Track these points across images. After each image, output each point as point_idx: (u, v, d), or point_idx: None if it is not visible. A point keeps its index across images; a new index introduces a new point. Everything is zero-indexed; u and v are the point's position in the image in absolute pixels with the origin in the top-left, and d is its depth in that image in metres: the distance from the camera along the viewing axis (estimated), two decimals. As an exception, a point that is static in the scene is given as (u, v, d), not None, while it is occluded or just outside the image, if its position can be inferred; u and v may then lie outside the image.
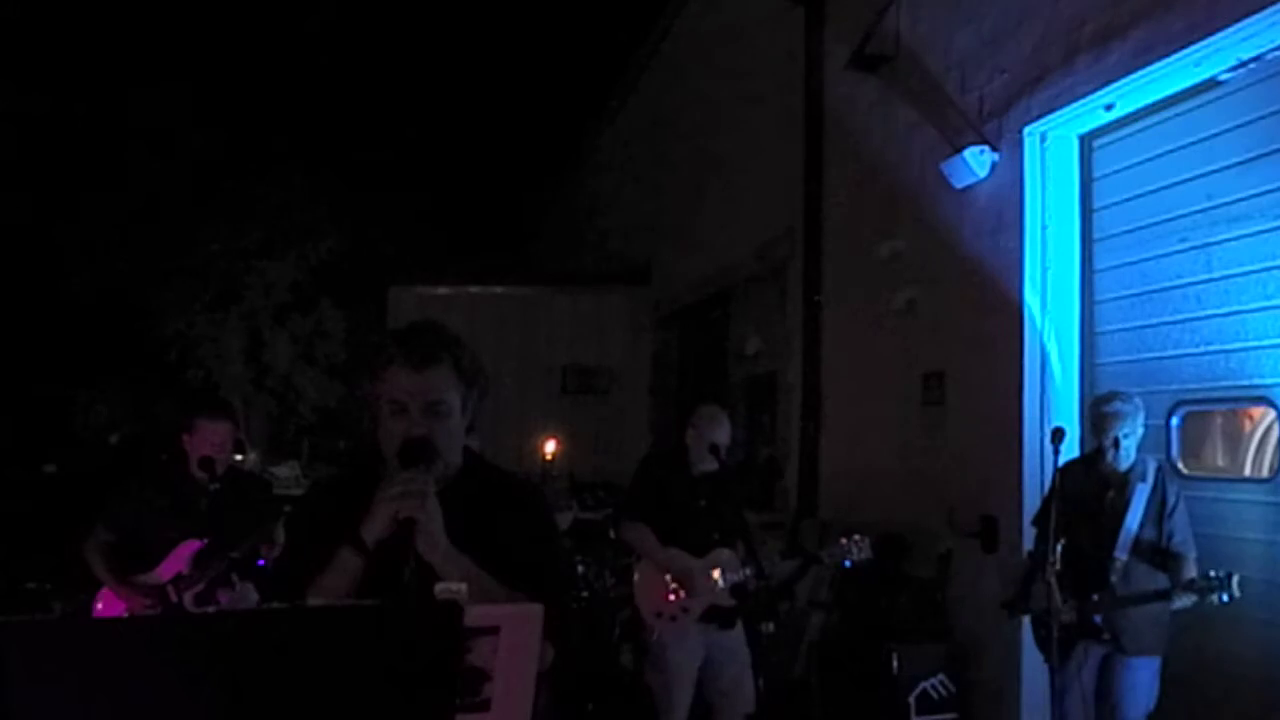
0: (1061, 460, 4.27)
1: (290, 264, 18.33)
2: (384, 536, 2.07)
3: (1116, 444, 4.25)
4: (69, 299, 17.99)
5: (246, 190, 18.07)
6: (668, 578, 4.98)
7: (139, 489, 4.56)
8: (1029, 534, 4.82)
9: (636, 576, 5.11)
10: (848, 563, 5.01)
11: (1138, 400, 4.36)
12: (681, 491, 5.06)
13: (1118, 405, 4.30)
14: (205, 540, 4.30)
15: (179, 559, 4.31)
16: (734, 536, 4.94)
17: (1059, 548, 4.13)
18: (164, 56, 17.59)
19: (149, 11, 17.34)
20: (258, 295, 18.13)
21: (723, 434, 5.08)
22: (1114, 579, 4.21)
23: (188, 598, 4.25)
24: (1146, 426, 4.43)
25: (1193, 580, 4.05)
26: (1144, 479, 4.28)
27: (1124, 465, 4.31)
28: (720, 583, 4.89)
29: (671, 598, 4.96)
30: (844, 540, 5.02)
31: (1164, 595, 4.07)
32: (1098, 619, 4.22)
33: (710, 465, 5.08)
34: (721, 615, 4.96)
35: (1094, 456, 4.35)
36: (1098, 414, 4.32)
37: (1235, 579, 3.87)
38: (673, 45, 11.85)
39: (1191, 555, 4.19)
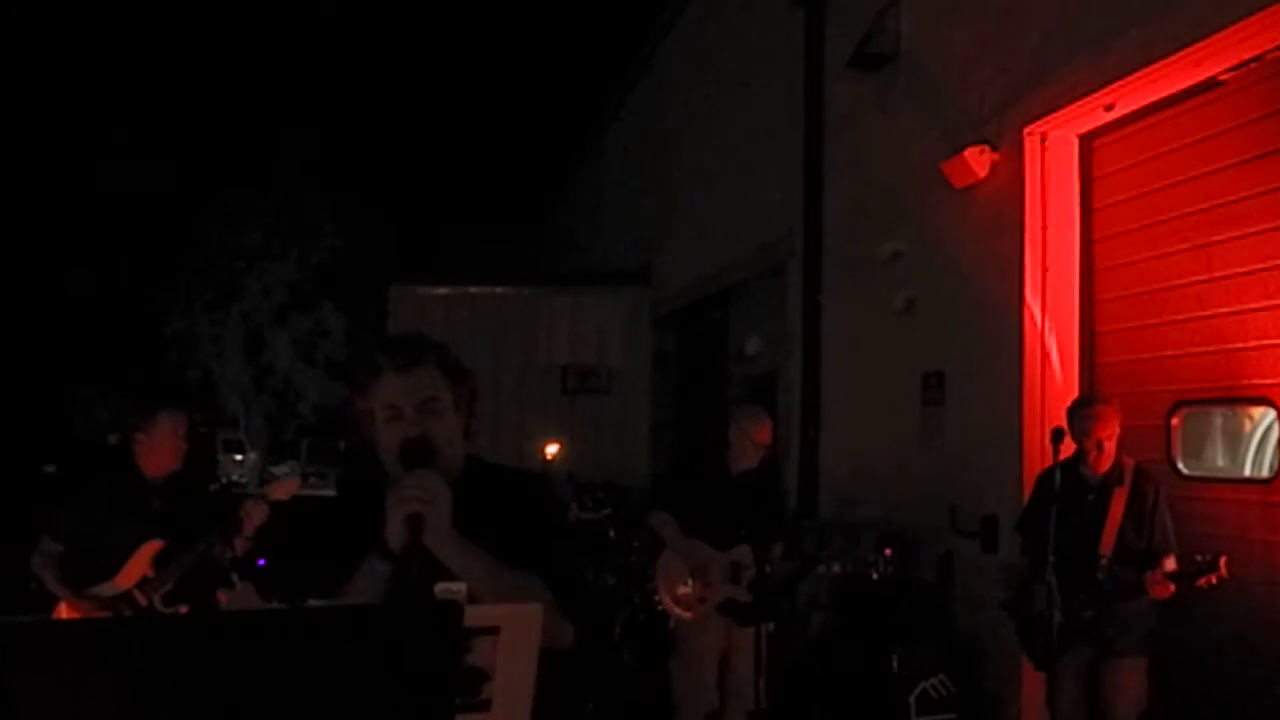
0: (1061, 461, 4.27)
1: (290, 264, 18.37)
2: (407, 543, 2.08)
3: (1099, 447, 4.26)
4: (69, 299, 18.02)
5: (246, 190, 18.09)
6: (687, 568, 5.03)
7: (87, 494, 4.36)
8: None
9: (659, 564, 5.17)
10: (874, 575, 5.02)
11: (1115, 402, 4.37)
12: (713, 486, 5.11)
13: (1098, 408, 4.30)
14: (165, 540, 4.18)
15: (140, 562, 4.17)
16: (764, 533, 4.99)
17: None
18: (165, 56, 17.58)
19: (152, 10, 17.34)
20: (258, 295, 18.16)
21: (765, 432, 5.16)
22: (1100, 578, 4.21)
23: (157, 600, 4.16)
24: (1146, 427, 4.43)
25: (1175, 570, 4.05)
26: (1121, 482, 4.28)
27: (1103, 468, 4.31)
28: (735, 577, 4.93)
29: (687, 588, 5.02)
30: (871, 555, 5.01)
31: (1144, 587, 4.08)
32: (1087, 618, 4.22)
33: (750, 463, 5.14)
34: (739, 610, 4.99)
35: (1073, 460, 4.35)
36: (1079, 417, 4.32)
37: (1222, 560, 3.87)
38: (673, 45, 11.86)
39: (1172, 555, 4.20)
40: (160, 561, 4.17)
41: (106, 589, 4.17)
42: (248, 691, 1.41)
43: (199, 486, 4.47)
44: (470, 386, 2.35)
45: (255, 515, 4.11)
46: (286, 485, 4.16)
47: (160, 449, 4.32)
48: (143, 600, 4.13)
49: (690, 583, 5.03)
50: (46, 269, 17.81)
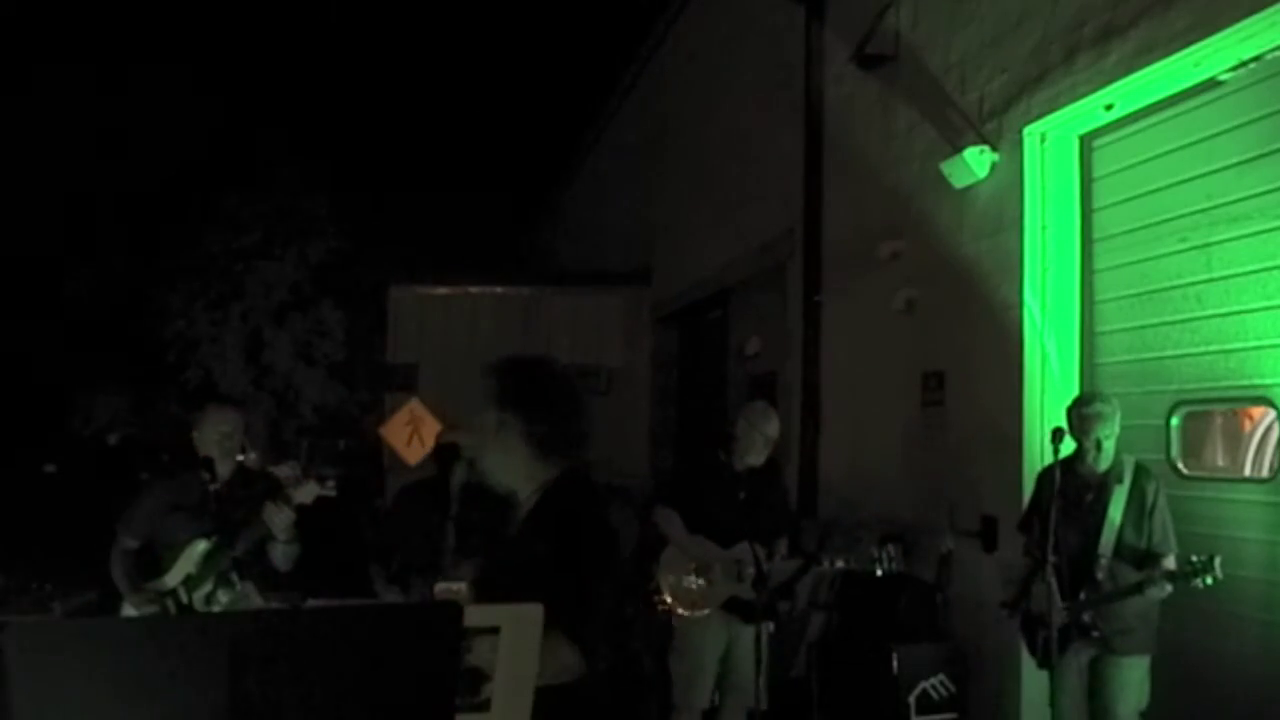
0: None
1: (290, 264, 18.34)
2: None
3: (1099, 445, 4.27)
4: (69, 299, 18.01)
5: (246, 191, 18.09)
6: (690, 564, 5.03)
7: (154, 492, 4.48)
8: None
9: (662, 561, 5.16)
10: (879, 571, 5.02)
11: (1115, 401, 4.38)
12: (719, 482, 5.10)
13: (1099, 407, 4.31)
14: (212, 540, 4.26)
15: (188, 561, 4.28)
16: (769, 531, 4.99)
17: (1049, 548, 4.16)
18: (165, 56, 17.58)
19: (154, 9, 17.34)
20: (258, 295, 18.15)
21: (772, 428, 5.16)
22: (1100, 577, 4.22)
23: (197, 598, 4.23)
24: (1146, 426, 4.43)
25: (1172, 571, 4.06)
26: (1121, 480, 4.29)
27: (1103, 466, 4.32)
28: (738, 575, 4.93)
29: (692, 585, 5.01)
30: (875, 549, 5.02)
31: (1142, 587, 4.08)
32: (1087, 618, 4.23)
33: (757, 460, 5.14)
34: (742, 607, 4.99)
35: (1072, 459, 4.36)
36: (1079, 416, 4.33)
37: (1217, 561, 3.88)
38: (673, 45, 11.86)
39: (1172, 553, 4.21)
40: (206, 561, 4.23)
41: (156, 586, 4.29)
42: (248, 691, 1.41)
43: (253, 488, 4.46)
44: (529, 409, 2.59)
45: (280, 519, 4.11)
46: (308, 488, 4.17)
47: (210, 450, 4.37)
48: (184, 598, 4.20)
49: (694, 579, 5.03)
50: (46, 269, 17.81)
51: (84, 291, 18.15)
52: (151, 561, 4.35)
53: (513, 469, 2.61)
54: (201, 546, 4.25)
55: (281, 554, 4.28)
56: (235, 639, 1.42)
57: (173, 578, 4.28)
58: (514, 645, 1.73)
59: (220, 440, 4.38)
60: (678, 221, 11.40)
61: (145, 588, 4.29)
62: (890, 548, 5.00)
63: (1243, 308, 4.53)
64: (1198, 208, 4.75)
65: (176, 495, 4.39)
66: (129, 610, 4.29)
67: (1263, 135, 4.43)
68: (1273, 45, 4.26)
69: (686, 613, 5.05)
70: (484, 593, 2.43)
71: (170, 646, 1.42)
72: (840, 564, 5.19)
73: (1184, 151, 4.85)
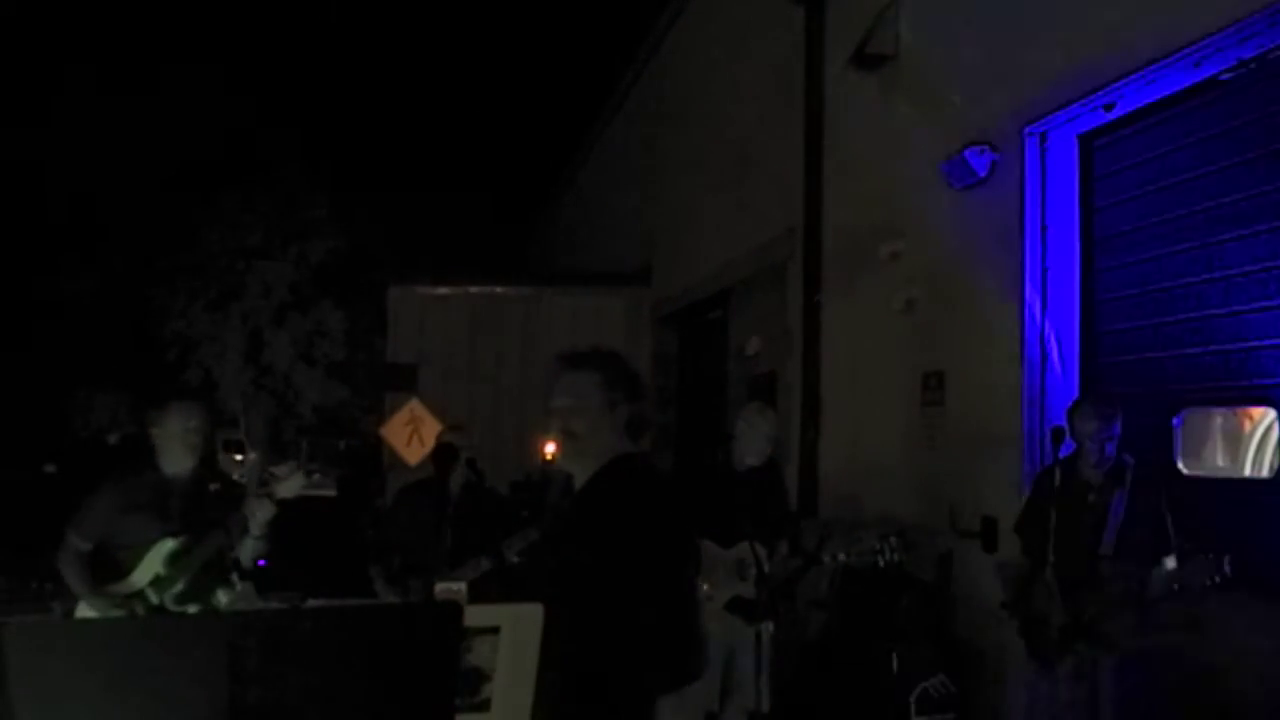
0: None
1: (290, 264, 18.38)
2: None
3: (1101, 447, 4.27)
4: (69, 299, 18.03)
5: (246, 190, 18.12)
6: None
7: (111, 492, 4.30)
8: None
9: None
10: (881, 563, 5.02)
11: (1117, 402, 4.38)
12: (719, 483, 5.10)
13: (1101, 408, 4.31)
14: (180, 539, 4.16)
15: (154, 561, 4.17)
16: (769, 531, 4.99)
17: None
18: (167, 57, 17.59)
19: (155, 11, 17.35)
20: (258, 295, 18.18)
21: (771, 428, 5.18)
22: (1104, 576, 4.22)
23: (168, 599, 4.17)
24: (1145, 426, 4.43)
25: (1176, 570, 4.06)
26: (1121, 481, 4.29)
27: (1105, 467, 4.32)
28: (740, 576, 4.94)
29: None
30: (876, 543, 5.02)
31: (1146, 586, 4.09)
32: (1088, 618, 4.23)
33: (757, 460, 5.15)
34: (745, 607, 4.99)
35: (1073, 459, 4.36)
36: (1080, 417, 4.33)
37: (1226, 559, 3.88)
38: (673, 45, 11.86)
39: (1173, 553, 4.21)
40: (173, 560, 4.16)
41: (122, 588, 4.18)
42: (248, 691, 1.41)
43: (218, 485, 4.39)
44: (624, 391, 2.76)
45: (261, 514, 4.09)
46: (292, 481, 4.14)
47: (174, 445, 4.26)
48: (155, 599, 4.14)
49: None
50: (46, 269, 17.81)
51: (84, 291, 18.16)
52: (106, 563, 4.20)
53: (606, 451, 2.72)
54: (169, 546, 4.15)
55: (250, 549, 4.19)
56: (235, 639, 1.42)
57: (140, 578, 4.17)
58: (514, 645, 1.73)
59: (185, 436, 4.25)
60: (678, 221, 11.40)
61: (110, 589, 4.15)
62: (892, 539, 4.99)
63: (1243, 308, 4.53)
64: (1198, 208, 4.75)
65: (133, 495, 4.25)
66: (86, 612, 4.14)
67: (1263, 135, 4.43)
68: (1273, 45, 4.26)
69: None
70: (504, 582, 2.54)
71: (170, 646, 1.42)
72: (841, 557, 5.19)
73: (1184, 151, 4.85)
